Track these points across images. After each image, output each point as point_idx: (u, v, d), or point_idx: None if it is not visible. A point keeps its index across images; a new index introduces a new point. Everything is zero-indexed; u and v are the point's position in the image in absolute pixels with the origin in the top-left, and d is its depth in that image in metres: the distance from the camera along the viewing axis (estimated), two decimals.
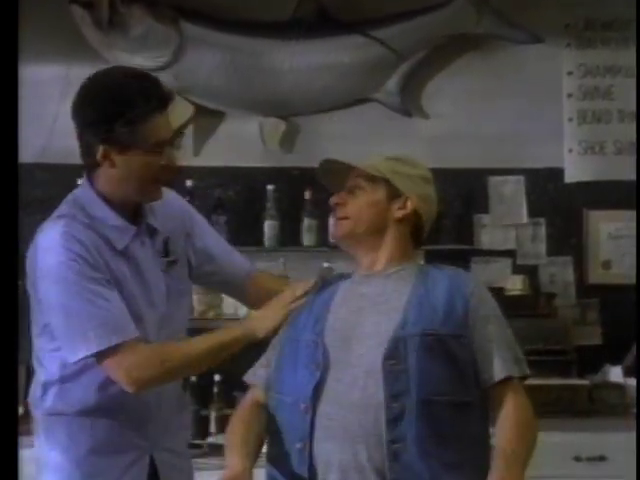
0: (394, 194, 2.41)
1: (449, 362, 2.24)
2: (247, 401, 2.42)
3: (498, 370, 2.27)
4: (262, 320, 2.43)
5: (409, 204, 2.41)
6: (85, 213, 2.40)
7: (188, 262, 2.59)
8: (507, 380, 2.27)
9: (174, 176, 2.45)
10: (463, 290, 2.32)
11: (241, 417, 2.38)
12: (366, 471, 2.20)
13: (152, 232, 2.49)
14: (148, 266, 2.45)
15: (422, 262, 4.10)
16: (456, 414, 2.23)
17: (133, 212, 2.45)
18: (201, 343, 2.41)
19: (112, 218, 2.41)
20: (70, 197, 2.48)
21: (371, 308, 2.33)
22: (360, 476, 2.20)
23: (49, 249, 2.33)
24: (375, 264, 2.41)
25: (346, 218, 2.41)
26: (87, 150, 2.38)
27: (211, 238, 2.66)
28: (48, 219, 2.45)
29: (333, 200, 2.46)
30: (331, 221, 2.49)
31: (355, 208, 2.40)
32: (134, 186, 2.39)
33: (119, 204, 2.42)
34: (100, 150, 2.34)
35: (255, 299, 2.63)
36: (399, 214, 2.41)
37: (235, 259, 2.69)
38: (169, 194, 2.55)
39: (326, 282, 2.46)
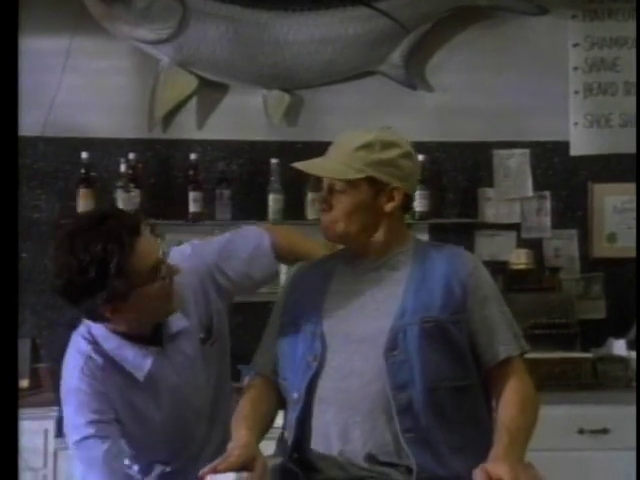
0: (377, 187, 2.28)
1: (449, 347, 2.22)
2: (256, 381, 2.43)
3: (500, 351, 2.25)
4: None
5: (396, 194, 2.29)
6: (100, 349, 2.34)
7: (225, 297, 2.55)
8: (508, 359, 2.26)
9: (176, 273, 2.31)
10: (461, 273, 2.27)
11: (249, 395, 2.39)
12: (359, 457, 2.20)
13: (181, 332, 2.41)
14: (181, 373, 2.41)
15: (426, 236, 4.20)
16: (458, 398, 2.22)
17: (153, 328, 2.38)
18: None
19: (128, 348, 2.34)
20: (84, 330, 2.38)
21: (369, 297, 2.29)
22: (355, 462, 2.20)
23: (66, 395, 2.35)
24: (371, 253, 2.33)
25: (336, 221, 2.29)
26: (92, 315, 2.27)
27: (232, 270, 2.53)
28: (68, 351, 2.39)
29: (318, 207, 2.34)
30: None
31: (342, 211, 2.28)
32: (148, 316, 2.32)
33: (136, 334, 2.35)
34: (108, 310, 2.23)
35: (286, 257, 2.62)
36: (389, 208, 2.29)
37: (257, 259, 2.56)
38: (182, 263, 2.38)
39: (320, 262, 2.44)
